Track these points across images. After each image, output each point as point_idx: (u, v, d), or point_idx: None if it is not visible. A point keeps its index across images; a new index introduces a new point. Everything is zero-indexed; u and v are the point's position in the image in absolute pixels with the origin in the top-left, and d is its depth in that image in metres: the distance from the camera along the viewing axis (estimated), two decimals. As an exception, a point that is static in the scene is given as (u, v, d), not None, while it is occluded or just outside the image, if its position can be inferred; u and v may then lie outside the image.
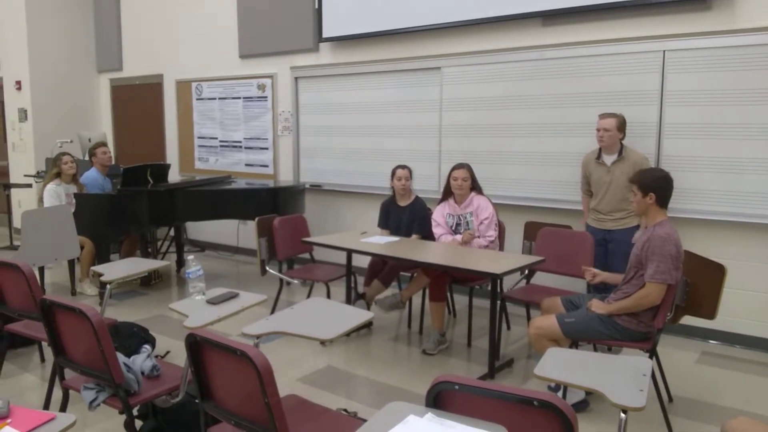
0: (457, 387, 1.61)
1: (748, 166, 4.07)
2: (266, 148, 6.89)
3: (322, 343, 4.14)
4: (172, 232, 6.77)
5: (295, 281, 4.77)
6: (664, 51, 4.30)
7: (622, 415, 1.86)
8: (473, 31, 5.23)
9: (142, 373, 2.55)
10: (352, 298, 4.47)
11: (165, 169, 6.07)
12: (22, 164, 8.12)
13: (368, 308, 4.42)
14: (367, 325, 4.54)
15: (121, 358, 2.40)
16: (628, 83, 4.47)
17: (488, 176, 4.91)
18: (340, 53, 6.16)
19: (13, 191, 7.82)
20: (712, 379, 3.74)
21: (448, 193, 4.39)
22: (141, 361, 2.59)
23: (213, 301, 2.67)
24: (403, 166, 4.65)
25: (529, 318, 4.40)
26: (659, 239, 2.97)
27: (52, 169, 5.55)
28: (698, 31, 4.19)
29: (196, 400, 2.08)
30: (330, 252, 4.52)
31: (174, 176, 7.31)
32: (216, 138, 7.36)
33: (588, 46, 4.62)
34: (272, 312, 4.42)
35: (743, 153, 4.08)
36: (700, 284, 3.13)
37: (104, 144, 5.98)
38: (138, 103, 8.29)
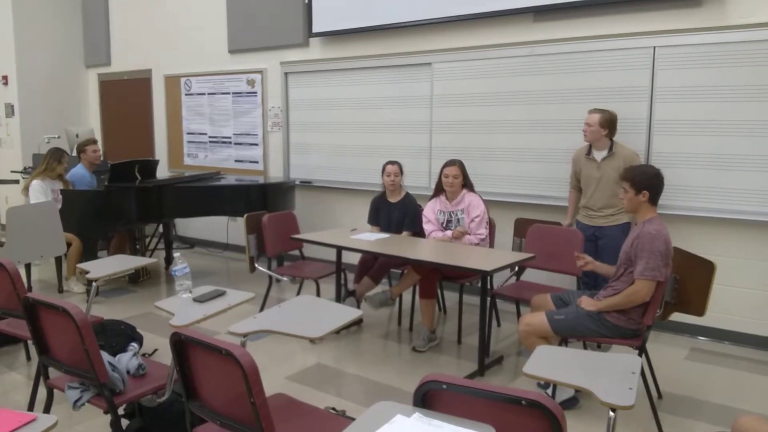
0: (444, 386, 1.60)
1: (737, 162, 4.08)
2: (256, 144, 6.84)
3: (312, 341, 4.12)
4: (160, 229, 6.71)
5: (285, 278, 4.74)
6: (654, 47, 4.30)
7: (611, 413, 1.85)
8: (464, 26, 5.21)
9: (128, 372, 2.52)
10: (342, 295, 4.45)
11: (153, 165, 6.02)
12: (8, 160, 8.03)
13: (358, 305, 4.40)
14: (357, 322, 4.52)
15: (106, 357, 2.36)
16: (618, 79, 4.47)
17: (478, 172, 4.90)
18: (330, 48, 6.12)
19: (0, 187, 7.73)
20: (702, 376, 3.75)
21: (439, 190, 4.37)
22: (127, 359, 2.56)
23: (200, 299, 2.64)
24: (393, 162, 4.63)
25: (519, 315, 4.39)
26: (648, 236, 2.97)
27: (56, 166, 5.39)
28: (688, 27, 4.18)
29: (183, 400, 2.05)
30: (320, 249, 4.50)
31: (163, 172, 7.26)
32: (205, 134, 7.31)
33: (579, 42, 4.61)
34: (261, 309, 4.39)
35: (733, 150, 4.09)
36: (689, 281, 3.13)
37: (95, 141, 5.91)
38: (126, 98, 8.22)
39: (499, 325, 4.61)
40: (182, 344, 1.95)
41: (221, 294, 2.73)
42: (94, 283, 3.24)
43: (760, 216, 4.03)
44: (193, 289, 2.74)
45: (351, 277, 4.64)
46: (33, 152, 7.22)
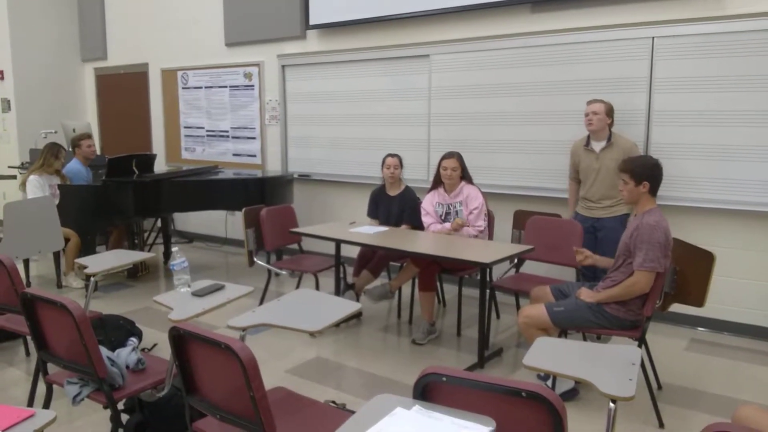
0: (444, 378, 1.59)
1: (737, 153, 4.07)
2: (254, 138, 6.82)
3: (311, 334, 4.11)
4: (159, 224, 6.70)
5: (284, 272, 4.74)
6: (653, 38, 4.28)
7: (611, 404, 1.84)
8: (462, 18, 5.18)
9: (127, 366, 2.52)
10: (341, 288, 4.45)
11: (151, 159, 6.00)
12: (5, 155, 8.00)
13: (357, 299, 4.40)
14: (357, 315, 4.52)
15: (104, 352, 2.36)
16: (617, 70, 4.45)
17: (477, 164, 4.88)
18: (327, 41, 6.09)
19: (-3, 183, 7.71)
20: (701, 366, 3.75)
21: (437, 182, 4.36)
22: (126, 354, 2.56)
23: (198, 294, 2.63)
24: (393, 155, 4.61)
25: (518, 307, 4.40)
26: (648, 227, 2.96)
27: (54, 161, 5.36)
28: (687, 17, 4.16)
29: (182, 394, 2.05)
30: (319, 242, 4.49)
31: (160, 166, 7.24)
32: (203, 127, 7.28)
33: (577, 33, 4.59)
34: (260, 303, 4.39)
35: (732, 140, 4.08)
36: (688, 272, 3.13)
37: (89, 136, 5.88)
38: (123, 92, 8.19)
39: (498, 317, 4.61)
40: (181, 338, 1.94)
41: (220, 288, 2.72)
42: (92, 278, 3.23)
43: (760, 206, 4.03)
44: (191, 284, 2.73)
45: (350, 270, 4.64)
46: (30, 147, 7.20)
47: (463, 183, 4.29)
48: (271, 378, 3.25)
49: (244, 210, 4.56)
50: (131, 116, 8.12)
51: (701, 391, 3.39)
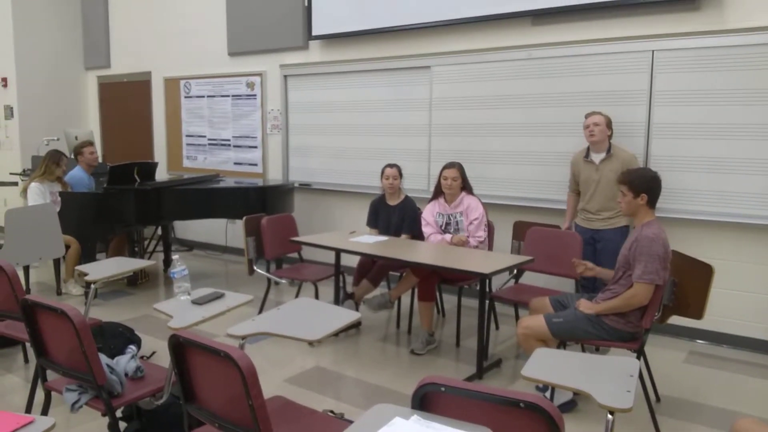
0: (443, 389, 1.59)
1: (736, 166, 4.09)
2: (255, 147, 6.85)
3: (310, 343, 4.12)
4: (159, 231, 6.71)
5: (283, 281, 4.74)
6: (652, 51, 4.31)
7: (609, 416, 1.85)
8: (463, 30, 5.22)
9: (126, 374, 2.52)
10: (341, 297, 4.45)
11: (152, 167, 6.02)
12: (7, 162, 8.03)
13: (357, 308, 4.40)
14: (356, 325, 4.52)
15: (104, 359, 2.36)
16: (616, 83, 4.48)
17: (477, 175, 4.90)
18: (329, 51, 6.13)
19: (-1, 189, 7.73)
20: (700, 379, 3.75)
21: (438, 192, 4.37)
22: (125, 362, 2.56)
23: (198, 302, 2.64)
24: (392, 165, 4.63)
25: (517, 318, 4.40)
26: (647, 239, 2.97)
27: (55, 168, 5.37)
28: (687, 31, 4.20)
29: (181, 402, 2.05)
30: (319, 251, 4.50)
31: (162, 175, 7.26)
32: (204, 136, 7.31)
33: (577, 46, 4.63)
34: (260, 312, 4.39)
35: (732, 153, 4.09)
36: (687, 284, 3.13)
37: (91, 143, 5.91)
38: (126, 100, 8.22)
39: (497, 328, 4.61)
40: (180, 346, 1.95)
41: (220, 296, 2.72)
42: (92, 286, 3.23)
43: (758, 219, 4.04)
44: (191, 292, 2.74)
45: (350, 279, 4.64)
46: (32, 154, 7.22)
47: (463, 193, 4.31)
48: (269, 387, 3.25)
49: (244, 218, 4.57)
50: (133, 124, 8.16)
51: (700, 404, 3.38)
